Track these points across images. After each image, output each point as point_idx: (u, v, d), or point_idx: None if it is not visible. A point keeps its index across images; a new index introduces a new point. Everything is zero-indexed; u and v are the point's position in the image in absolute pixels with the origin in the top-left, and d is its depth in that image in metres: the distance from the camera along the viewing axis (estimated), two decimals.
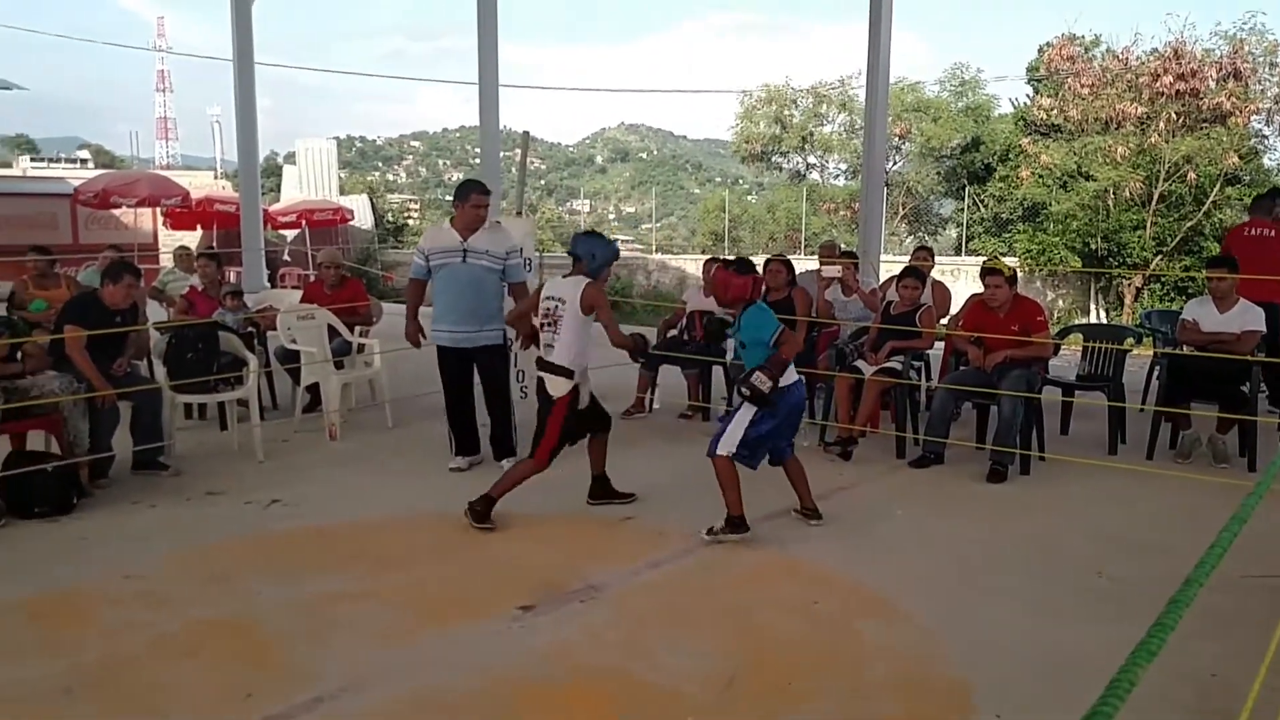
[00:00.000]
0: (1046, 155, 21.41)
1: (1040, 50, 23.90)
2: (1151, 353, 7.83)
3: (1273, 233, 7.30)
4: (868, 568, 4.42)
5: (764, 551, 4.65)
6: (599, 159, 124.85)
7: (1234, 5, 20.25)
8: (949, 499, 5.56)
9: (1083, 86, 20.99)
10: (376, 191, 34.05)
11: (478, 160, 15.83)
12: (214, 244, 19.58)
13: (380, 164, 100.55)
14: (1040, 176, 21.92)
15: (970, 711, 3.16)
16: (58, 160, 45.10)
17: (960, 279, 18.56)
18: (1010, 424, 5.86)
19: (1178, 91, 19.73)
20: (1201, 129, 19.76)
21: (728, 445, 4.66)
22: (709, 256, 8.83)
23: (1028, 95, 24.71)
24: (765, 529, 4.94)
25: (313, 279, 11.65)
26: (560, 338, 4.88)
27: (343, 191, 28.82)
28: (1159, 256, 19.89)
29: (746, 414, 4.67)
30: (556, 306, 4.91)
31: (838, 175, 32.02)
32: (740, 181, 61.94)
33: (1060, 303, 20.98)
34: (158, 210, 20.73)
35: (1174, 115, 19.76)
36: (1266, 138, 20.77)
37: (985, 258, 9.85)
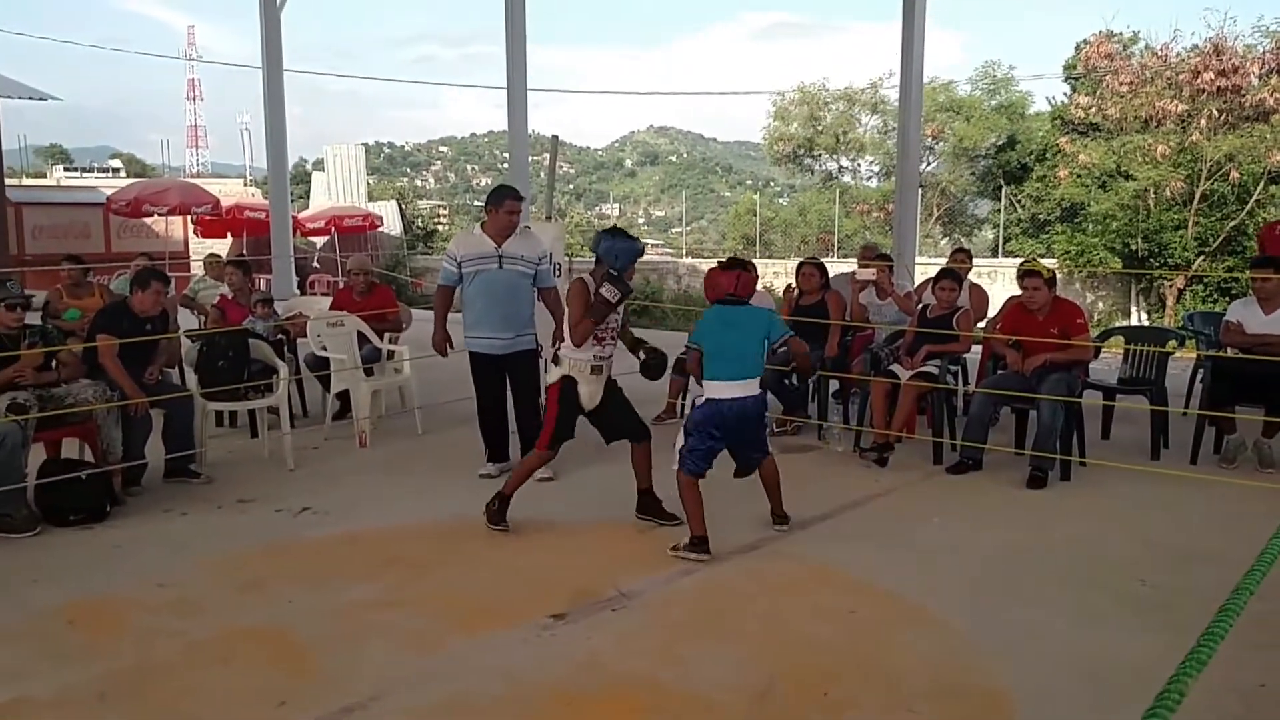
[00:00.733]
0: (1085, 155, 21.16)
1: (1077, 48, 23.67)
2: (1195, 355, 7.68)
3: None
4: (905, 575, 4.35)
5: (799, 559, 4.58)
6: (628, 162, 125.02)
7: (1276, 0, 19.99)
8: (987, 505, 5.47)
9: (1121, 84, 20.74)
10: (405, 197, 34.30)
11: (506, 165, 15.89)
12: (244, 251, 19.76)
13: (409, 170, 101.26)
14: (1079, 176, 21.68)
15: None
16: (90, 170, 45.87)
17: (998, 281, 18.38)
18: (1050, 429, 5.75)
19: (1219, 88, 19.45)
20: (1244, 126, 19.45)
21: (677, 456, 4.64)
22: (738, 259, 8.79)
23: (1065, 94, 24.47)
24: (799, 537, 4.88)
25: (342, 286, 11.72)
26: (562, 330, 4.97)
27: (371, 198, 29.01)
28: (1201, 257, 19.60)
29: (685, 423, 4.73)
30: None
31: (870, 177, 31.88)
32: (771, 184, 61.85)
33: (1100, 305, 20.75)
34: (188, 218, 20.97)
35: (1215, 113, 19.47)
36: None
37: (1023, 259, 9.71)
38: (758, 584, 4.29)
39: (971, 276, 7.52)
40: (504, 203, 5.82)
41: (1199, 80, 19.52)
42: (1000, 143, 26.52)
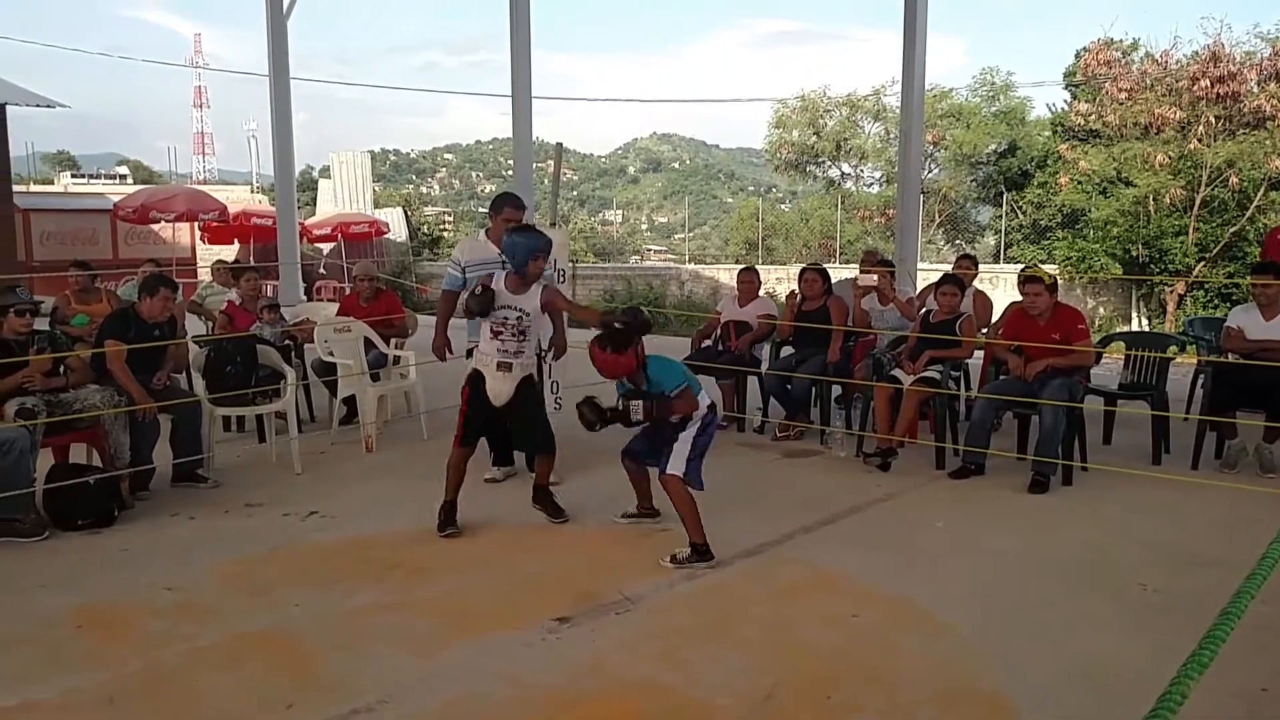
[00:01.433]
0: (1085, 161, 21.18)
1: (1077, 55, 23.70)
2: (1195, 361, 7.70)
3: None
4: (908, 580, 4.37)
5: (802, 564, 4.60)
6: (631, 169, 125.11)
7: (1273, 6, 20.07)
8: (990, 510, 5.49)
9: (1119, 91, 20.76)
10: (411, 204, 34.33)
11: (511, 172, 15.93)
12: (251, 258, 19.80)
13: (414, 177, 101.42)
14: (1079, 183, 21.69)
15: None
16: (98, 176, 45.96)
17: (999, 287, 18.40)
18: (1052, 434, 5.78)
19: (1217, 95, 19.46)
20: (1243, 133, 19.46)
21: (677, 466, 4.53)
22: (743, 266, 8.82)
23: (1065, 101, 24.50)
24: (802, 542, 4.90)
25: (348, 292, 11.75)
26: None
27: (377, 204, 29.07)
28: (1202, 263, 19.60)
29: (690, 432, 4.56)
30: None
31: (871, 183, 31.89)
32: (774, 190, 61.87)
33: (1101, 310, 20.75)
34: (195, 225, 21.02)
35: (1214, 119, 19.48)
36: None
37: (1024, 265, 9.72)
38: (760, 588, 4.31)
39: (974, 283, 7.54)
40: (503, 210, 5.87)
41: (1197, 87, 19.54)
42: (1001, 149, 26.53)
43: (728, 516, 5.06)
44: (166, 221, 19.95)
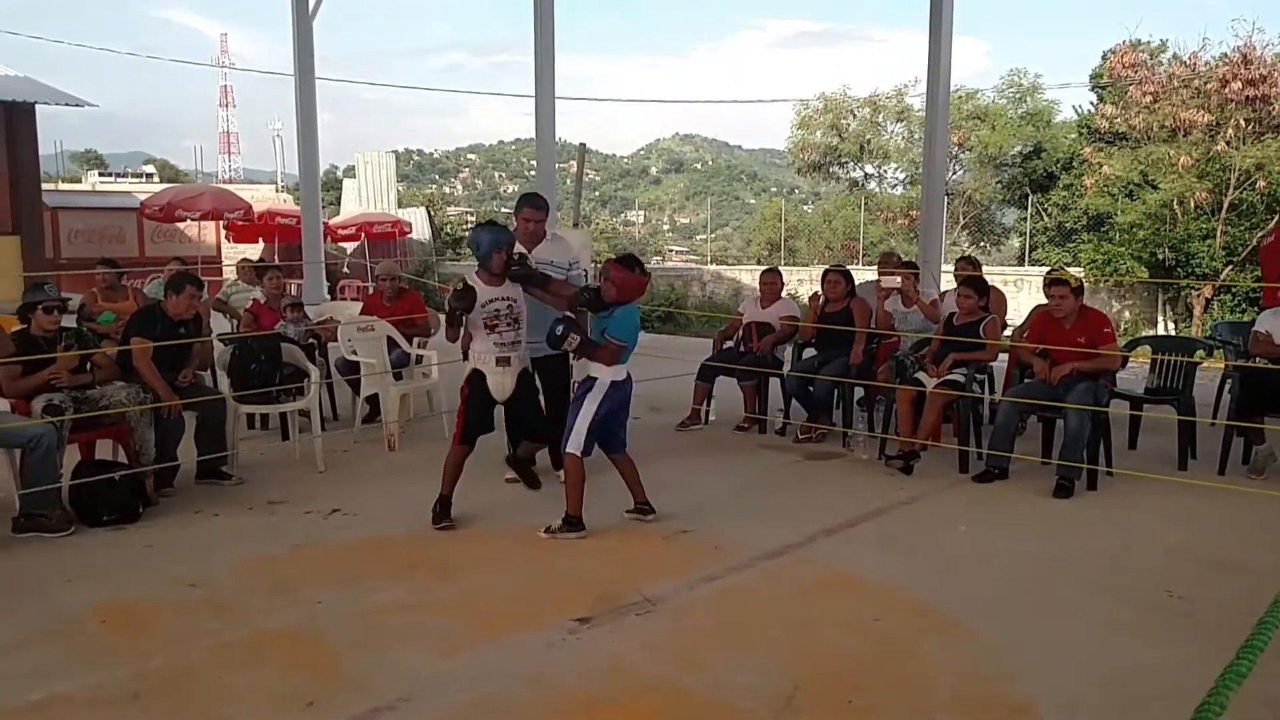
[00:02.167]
0: (1110, 165, 21.01)
1: (1104, 57, 23.51)
2: (1223, 365, 7.61)
3: None
4: (930, 584, 4.34)
5: (824, 566, 4.59)
6: (654, 170, 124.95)
7: None
8: (1013, 514, 5.45)
9: (1144, 94, 20.58)
10: (434, 204, 34.44)
11: (533, 173, 15.95)
12: (275, 257, 19.91)
13: (437, 177, 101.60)
14: (1105, 186, 21.52)
15: None
16: (124, 175, 46.36)
17: (1024, 289, 18.27)
18: (1077, 438, 5.73)
19: (1247, 98, 19.25)
20: (1271, 136, 19.26)
21: (576, 442, 4.82)
22: (766, 267, 8.78)
23: (1091, 103, 24.31)
24: (824, 544, 4.88)
25: (371, 291, 11.80)
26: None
27: (401, 204, 29.16)
28: (1229, 267, 19.41)
29: (590, 406, 4.82)
30: None
31: (895, 184, 31.75)
32: (796, 191, 61.71)
33: (1127, 314, 20.58)
34: (221, 223, 21.15)
35: (1243, 122, 19.28)
36: None
37: (1049, 268, 9.65)
38: (781, 591, 4.30)
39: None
40: (523, 210, 5.91)
41: (1227, 90, 19.33)
42: (1026, 151, 26.36)
43: (749, 518, 5.05)
44: (192, 220, 20.06)
